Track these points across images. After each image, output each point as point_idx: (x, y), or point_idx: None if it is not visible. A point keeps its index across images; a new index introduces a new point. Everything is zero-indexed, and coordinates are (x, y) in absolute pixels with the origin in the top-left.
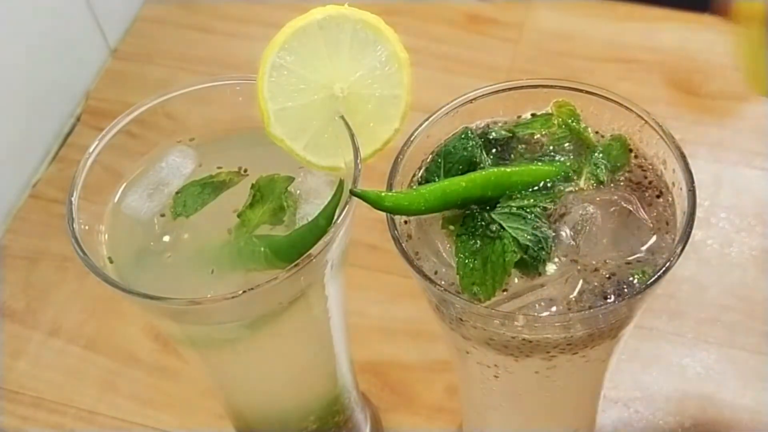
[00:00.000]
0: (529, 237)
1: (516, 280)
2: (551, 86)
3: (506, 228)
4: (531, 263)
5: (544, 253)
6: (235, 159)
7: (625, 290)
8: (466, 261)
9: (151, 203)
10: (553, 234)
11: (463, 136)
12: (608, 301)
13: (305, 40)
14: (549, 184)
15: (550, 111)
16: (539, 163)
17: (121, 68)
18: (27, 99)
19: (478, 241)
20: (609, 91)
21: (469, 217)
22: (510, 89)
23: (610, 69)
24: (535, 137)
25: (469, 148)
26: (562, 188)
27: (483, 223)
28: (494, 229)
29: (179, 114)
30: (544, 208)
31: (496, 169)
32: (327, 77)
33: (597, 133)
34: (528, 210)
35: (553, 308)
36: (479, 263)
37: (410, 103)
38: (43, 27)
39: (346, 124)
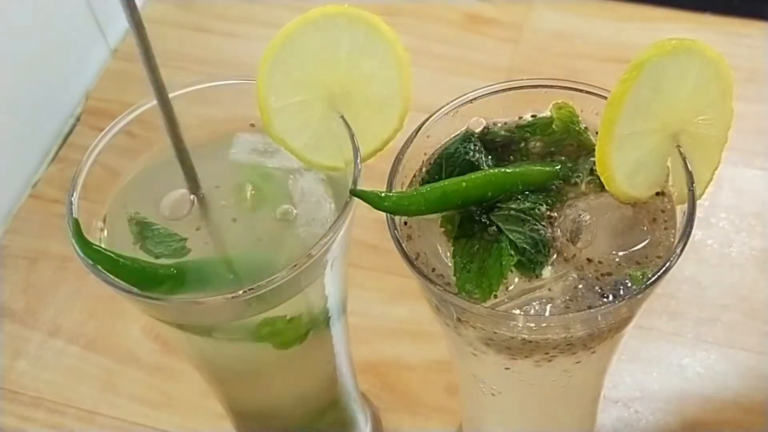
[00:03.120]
0: (527, 240)
1: (514, 282)
2: (551, 86)
3: (504, 230)
4: (528, 265)
5: (541, 255)
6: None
7: (625, 290)
8: (463, 263)
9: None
10: (552, 236)
11: (464, 139)
12: (608, 301)
13: (305, 40)
14: (549, 186)
15: (549, 113)
16: (539, 165)
17: (121, 68)
18: (27, 99)
19: (476, 244)
20: (609, 91)
21: (468, 218)
22: (510, 89)
23: (610, 69)
24: (536, 139)
25: (471, 152)
26: (562, 190)
27: (481, 225)
28: (492, 231)
29: (179, 114)
30: (544, 210)
31: (496, 170)
32: (327, 77)
33: (597, 133)
34: (527, 212)
35: (552, 309)
36: (476, 266)
37: (410, 103)
38: (44, 27)
39: (346, 124)
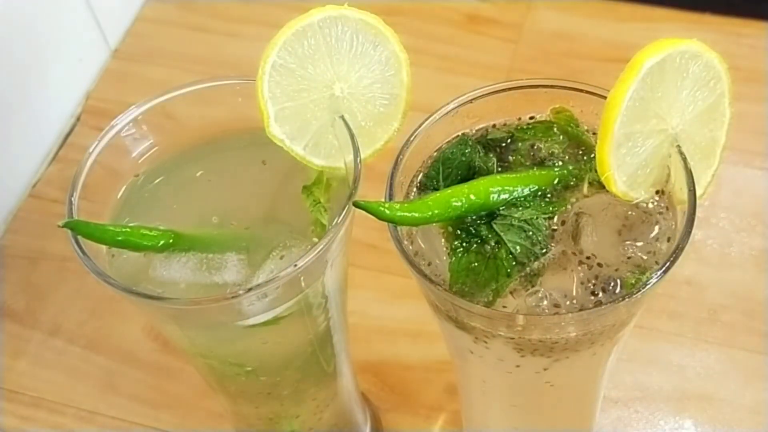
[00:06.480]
0: (527, 250)
1: (513, 288)
2: (551, 86)
3: (506, 242)
4: (528, 276)
5: (541, 265)
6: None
7: (625, 291)
8: (460, 280)
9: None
10: (553, 237)
11: (460, 142)
12: (607, 302)
13: (305, 40)
14: (551, 190)
15: (548, 117)
16: (541, 169)
17: (121, 68)
18: (27, 99)
19: (474, 261)
20: (609, 91)
21: (467, 228)
22: (510, 89)
23: (610, 69)
24: (535, 141)
25: (467, 154)
26: (564, 193)
27: (482, 236)
28: (492, 244)
29: (179, 114)
30: (546, 214)
31: (499, 176)
32: (327, 77)
33: (596, 134)
34: (529, 222)
35: (552, 309)
36: (472, 283)
37: (410, 103)
38: (43, 27)
39: (346, 124)
